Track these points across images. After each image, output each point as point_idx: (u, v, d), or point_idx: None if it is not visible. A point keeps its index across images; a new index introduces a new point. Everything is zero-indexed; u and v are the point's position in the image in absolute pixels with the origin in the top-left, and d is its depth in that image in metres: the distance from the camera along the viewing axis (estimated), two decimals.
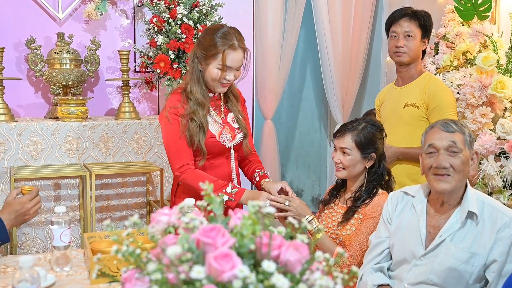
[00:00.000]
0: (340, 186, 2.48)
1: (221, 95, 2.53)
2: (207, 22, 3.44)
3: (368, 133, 2.34)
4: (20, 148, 3.10)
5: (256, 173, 2.60)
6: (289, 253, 1.03)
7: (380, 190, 2.35)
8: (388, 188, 2.39)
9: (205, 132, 2.39)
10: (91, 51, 3.56)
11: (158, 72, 3.35)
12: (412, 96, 2.83)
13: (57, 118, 3.36)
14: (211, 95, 2.48)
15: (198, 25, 3.39)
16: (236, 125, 2.52)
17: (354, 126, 2.36)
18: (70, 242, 1.92)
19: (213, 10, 3.50)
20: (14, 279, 1.45)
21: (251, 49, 4.08)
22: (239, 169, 2.65)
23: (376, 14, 4.73)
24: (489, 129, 2.93)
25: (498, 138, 2.87)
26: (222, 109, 2.52)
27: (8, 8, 3.50)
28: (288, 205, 2.30)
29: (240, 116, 2.54)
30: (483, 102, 2.93)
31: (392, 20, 2.89)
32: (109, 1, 3.60)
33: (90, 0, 3.56)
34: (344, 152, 2.33)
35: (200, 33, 3.38)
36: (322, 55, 4.51)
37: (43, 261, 2.04)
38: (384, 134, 2.41)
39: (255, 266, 1.02)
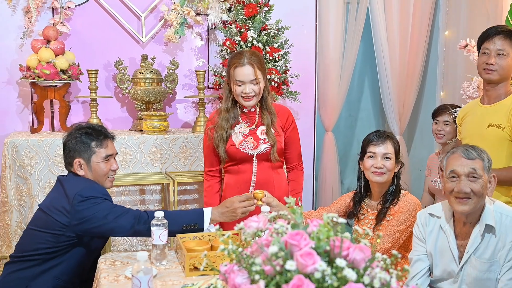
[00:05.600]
0: (360, 196, 2.74)
1: (258, 110, 2.85)
2: (274, 44, 3.77)
3: (396, 140, 2.70)
4: None
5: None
6: (356, 253, 1.34)
7: (403, 191, 2.65)
8: None
9: (225, 141, 2.79)
10: (171, 71, 3.97)
11: None
12: (498, 116, 2.75)
13: (141, 131, 3.78)
14: (245, 110, 2.84)
15: (266, 47, 3.72)
16: (263, 136, 2.82)
17: (388, 134, 2.67)
18: (167, 241, 2.30)
19: (279, 33, 3.83)
20: (133, 270, 1.83)
21: (313, 67, 4.39)
22: (272, 176, 2.86)
23: (433, 29, 4.88)
24: None
25: None
26: (256, 122, 2.85)
27: (99, 34, 3.96)
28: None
29: (272, 130, 2.82)
30: None
31: (486, 37, 2.81)
32: (186, 25, 4.00)
33: (169, 25, 3.97)
34: (386, 158, 2.61)
35: (268, 54, 3.74)
36: (380, 69, 4.73)
37: None
38: None
39: (329, 262, 1.35)
